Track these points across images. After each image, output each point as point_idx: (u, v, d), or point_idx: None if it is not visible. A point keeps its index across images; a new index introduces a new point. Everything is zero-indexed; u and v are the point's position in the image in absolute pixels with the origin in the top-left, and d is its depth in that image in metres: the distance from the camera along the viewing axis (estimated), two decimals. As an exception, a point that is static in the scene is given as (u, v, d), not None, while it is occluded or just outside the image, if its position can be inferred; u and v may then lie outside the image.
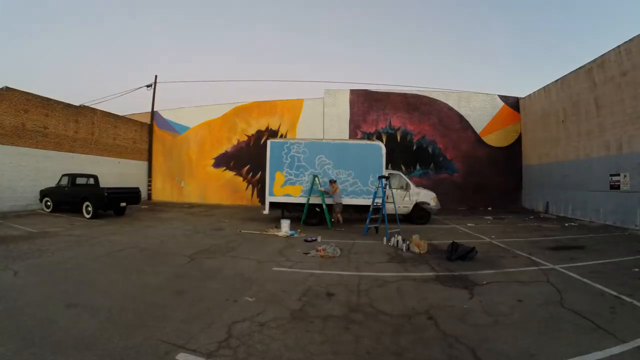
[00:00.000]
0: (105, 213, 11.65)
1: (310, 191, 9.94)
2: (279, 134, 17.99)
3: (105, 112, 16.98)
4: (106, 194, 10.98)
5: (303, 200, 10.11)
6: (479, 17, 58.70)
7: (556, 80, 13.97)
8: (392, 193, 9.50)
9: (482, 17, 58.73)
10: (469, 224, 10.89)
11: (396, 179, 10.96)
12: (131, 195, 12.12)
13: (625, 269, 5.39)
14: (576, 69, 12.67)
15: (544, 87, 14.94)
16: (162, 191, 19.78)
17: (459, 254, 5.98)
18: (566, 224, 10.99)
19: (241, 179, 18.39)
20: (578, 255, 6.46)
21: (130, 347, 2.79)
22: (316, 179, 9.88)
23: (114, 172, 16.62)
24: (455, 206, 15.98)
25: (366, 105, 17.47)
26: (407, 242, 6.93)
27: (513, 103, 17.06)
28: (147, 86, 19.77)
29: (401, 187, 10.97)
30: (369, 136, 17.09)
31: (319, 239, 7.76)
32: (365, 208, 9.36)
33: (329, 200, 9.88)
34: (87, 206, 10.94)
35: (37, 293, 4.04)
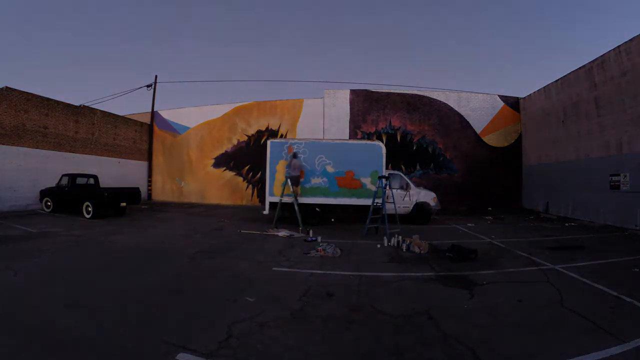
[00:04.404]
0: (105, 213, 11.64)
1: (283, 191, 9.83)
2: (279, 134, 17.98)
3: (105, 112, 16.96)
4: (106, 194, 10.96)
5: (303, 200, 10.10)
6: (479, 17, 58.72)
7: (556, 80, 13.97)
8: (392, 193, 9.50)
9: (483, 17, 58.74)
10: (469, 224, 10.89)
11: (396, 179, 10.95)
12: (131, 195, 12.11)
13: (625, 269, 5.39)
14: (576, 69, 12.66)
15: (544, 87, 14.93)
16: (162, 191, 19.76)
17: (461, 256, 5.99)
18: (566, 224, 10.99)
19: (241, 179, 18.38)
20: (578, 255, 6.46)
21: (130, 347, 2.79)
22: (289, 180, 9.67)
23: (114, 172, 16.60)
24: (455, 206, 15.97)
25: (366, 105, 17.46)
26: (407, 242, 6.93)
27: (513, 103, 17.04)
28: (147, 86, 19.76)
29: (401, 187, 10.96)
30: (369, 136, 17.08)
31: (319, 239, 7.76)
32: (365, 208, 9.35)
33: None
34: (87, 206, 10.92)
35: (37, 293, 4.04)
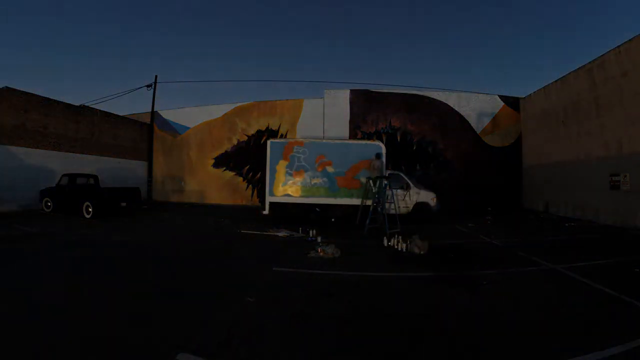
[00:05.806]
0: (105, 213, 11.64)
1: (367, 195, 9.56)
2: (279, 134, 17.98)
3: (105, 112, 16.98)
4: (106, 194, 10.95)
5: (303, 200, 10.12)
6: (478, 17, 58.73)
7: (556, 80, 13.96)
8: (392, 193, 9.50)
9: (483, 17, 58.76)
10: (469, 224, 10.88)
11: (396, 179, 10.95)
12: (131, 195, 12.11)
13: (626, 269, 5.38)
14: (576, 69, 12.66)
15: (544, 87, 14.92)
16: (162, 191, 19.77)
17: (461, 256, 6.00)
18: (566, 224, 10.98)
19: (241, 179, 18.39)
20: (578, 255, 6.45)
21: (130, 347, 2.79)
22: (370, 182, 9.55)
23: (114, 172, 16.61)
24: (455, 206, 15.95)
25: (366, 105, 17.45)
26: (407, 242, 6.93)
27: (513, 103, 17.03)
28: (147, 86, 19.74)
29: (401, 187, 10.97)
30: (369, 136, 17.07)
31: (319, 239, 7.75)
32: (366, 208, 9.35)
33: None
34: (87, 206, 10.92)
35: (36, 293, 4.03)
